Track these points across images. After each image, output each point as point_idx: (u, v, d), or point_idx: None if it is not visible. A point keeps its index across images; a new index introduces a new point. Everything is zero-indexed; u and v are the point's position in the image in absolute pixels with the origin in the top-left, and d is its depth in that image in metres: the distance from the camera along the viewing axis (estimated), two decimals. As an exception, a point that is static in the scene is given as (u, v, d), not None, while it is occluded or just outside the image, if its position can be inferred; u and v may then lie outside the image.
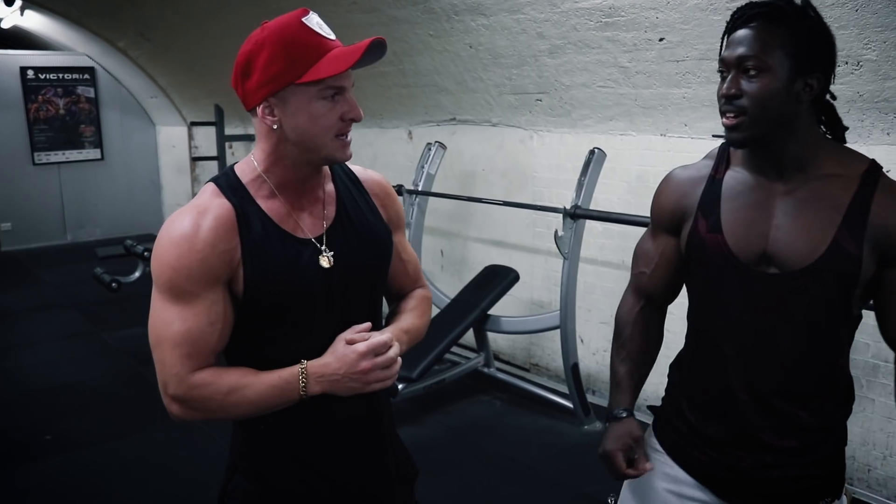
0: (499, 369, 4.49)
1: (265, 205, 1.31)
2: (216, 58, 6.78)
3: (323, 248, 1.34)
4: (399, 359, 1.33)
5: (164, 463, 3.51)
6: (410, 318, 1.48)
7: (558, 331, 3.88)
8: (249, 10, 5.50)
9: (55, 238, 9.06)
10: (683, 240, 1.47)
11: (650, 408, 1.67)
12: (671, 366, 1.62)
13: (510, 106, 4.54)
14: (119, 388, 4.51)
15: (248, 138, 7.54)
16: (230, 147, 7.73)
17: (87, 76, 9.02)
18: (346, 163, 1.39)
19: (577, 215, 3.64)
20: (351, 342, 1.28)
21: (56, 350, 5.24)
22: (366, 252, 1.40)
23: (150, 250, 5.74)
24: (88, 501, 3.19)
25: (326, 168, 1.41)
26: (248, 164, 1.34)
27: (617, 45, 3.56)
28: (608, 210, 3.84)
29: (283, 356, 1.29)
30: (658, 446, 1.58)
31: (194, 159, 8.53)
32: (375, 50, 1.26)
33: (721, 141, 1.47)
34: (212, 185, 1.32)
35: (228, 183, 1.31)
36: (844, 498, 1.48)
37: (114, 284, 5.51)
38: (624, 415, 1.54)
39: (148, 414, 4.07)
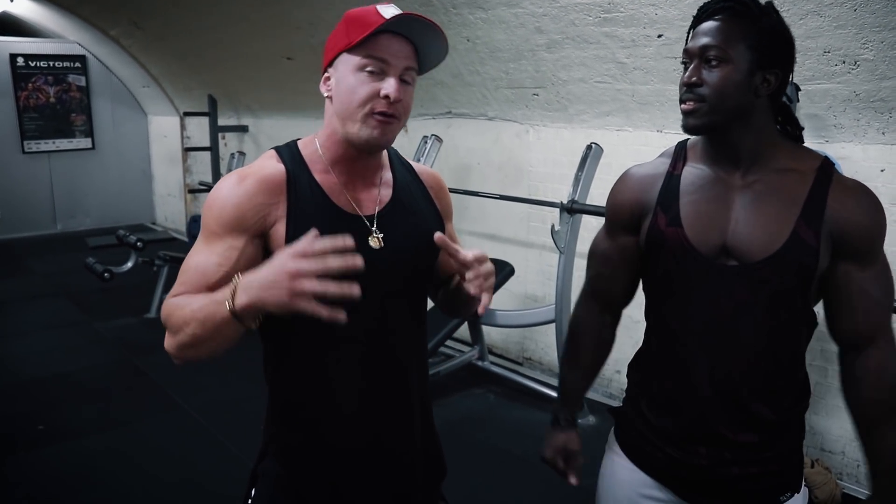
0: (492, 363, 4.50)
1: (319, 177, 1.33)
2: (210, 48, 6.75)
3: (373, 229, 1.34)
4: (351, 287, 1.06)
5: (157, 452, 3.51)
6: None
7: (553, 325, 3.90)
8: (245, 0, 5.48)
9: (45, 227, 9.02)
10: (643, 235, 1.48)
11: (610, 410, 1.67)
12: (630, 366, 1.61)
13: (507, 100, 4.54)
14: (112, 379, 4.50)
15: (242, 129, 7.52)
16: (223, 138, 7.72)
17: (78, 64, 8.97)
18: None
19: (573, 210, 3.65)
20: None
21: (47, 340, 5.22)
22: (416, 239, 1.39)
23: (142, 241, 5.74)
24: (81, 491, 3.18)
25: (385, 157, 1.43)
26: (310, 139, 1.38)
27: (615, 40, 3.58)
28: (603, 205, 3.84)
29: (313, 331, 1.29)
30: (619, 450, 1.59)
31: (186, 150, 8.50)
32: (425, 35, 1.28)
33: (678, 139, 1.52)
34: (272, 151, 1.36)
35: (289, 151, 1.36)
36: (805, 489, 1.50)
37: (106, 274, 5.49)
38: (565, 425, 1.62)
39: (141, 404, 4.08)
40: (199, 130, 8.26)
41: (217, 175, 7.32)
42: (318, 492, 1.40)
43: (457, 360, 4.32)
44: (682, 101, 1.37)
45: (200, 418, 3.86)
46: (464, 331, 4.51)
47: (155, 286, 5.67)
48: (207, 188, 7.29)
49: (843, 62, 2.88)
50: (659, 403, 1.49)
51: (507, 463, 3.43)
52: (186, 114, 8.13)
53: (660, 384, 1.49)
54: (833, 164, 1.39)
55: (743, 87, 1.32)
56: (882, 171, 3.01)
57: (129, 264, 5.83)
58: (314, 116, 6.41)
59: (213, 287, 1.23)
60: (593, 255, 1.61)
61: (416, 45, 1.30)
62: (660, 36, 3.38)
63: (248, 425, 3.67)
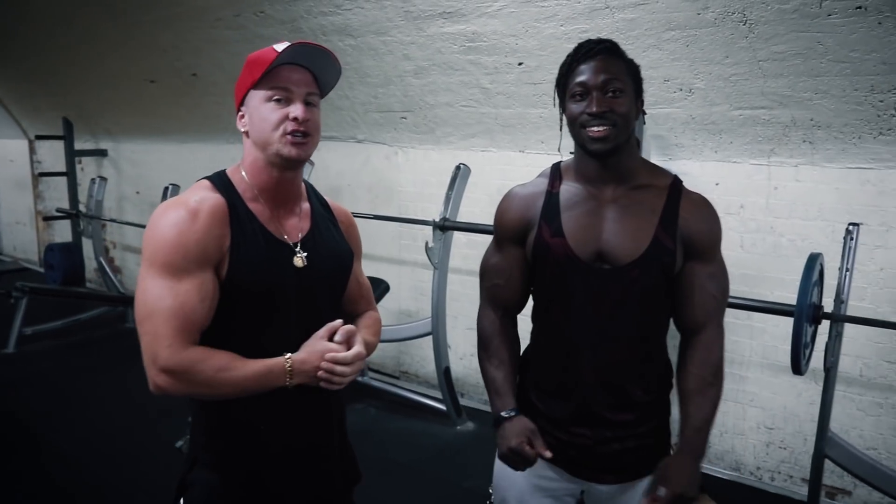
0: (371, 378, 4.60)
1: (252, 206, 1.46)
2: (65, 67, 6.47)
3: (298, 250, 1.49)
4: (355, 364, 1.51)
5: (28, 496, 3.36)
6: (367, 335, 1.63)
7: (428, 338, 4.06)
8: (105, 19, 5.33)
9: None
10: (529, 246, 1.68)
11: None
12: (519, 366, 1.81)
13: (375, 123, 4.70)
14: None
15: (100, 153, 7.23)
16: (80, 162, 7.39)
17: None
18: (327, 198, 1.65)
19: (445, 227, 3.84)
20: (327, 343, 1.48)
21: None
22: (332, 262, 1.56)
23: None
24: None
25: (303, 188, 1.57)
26: (236, 168, 1.49)
27: (479, 67, 3.81)
28: (472, 222, 4.05)
29: (249, 343, 1.43)
30: None
31: (40, 175, 8.04)
32: (318, 60, 1.46)
33: (552, 161, 1.75)
34: (206, 181, 1.46)
35: (221, 181, 1.46)
36: None
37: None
38: (513, 414, 1.65)
39: (3, 446, 3.86)
40: (51, 155, 7.86)
41: (75, 202, 7.00)
42: (250, 493, 1.50)
43: (337, 378, 4.37)
44: (588, 128, 1.54)
45: (73, 453, 3.72)
46: (342, 348, 4.57)
47: (12, 319, 5.37)
48: (66, 215, 6.94)
49: (681, 90, 3.24)
50: (548, 393, 1.70)
51: (395, 472, 3.54)
52: (38, 137, 7.70)
53: (548, 376, 1.70)
54: (681, 181, 1.66)
55: (633, 113, 1.56)
56: (717, 184, 3.39)
57: (-19, 296, 5.49)
58: (178, 141, 6.30)
59: (203, 324, 1.37)
60: (487, 269, 1.78)
61: (314, 71, 1.47)
62: (520, 64, 3.65)
63: (126, 456, 3.60)
